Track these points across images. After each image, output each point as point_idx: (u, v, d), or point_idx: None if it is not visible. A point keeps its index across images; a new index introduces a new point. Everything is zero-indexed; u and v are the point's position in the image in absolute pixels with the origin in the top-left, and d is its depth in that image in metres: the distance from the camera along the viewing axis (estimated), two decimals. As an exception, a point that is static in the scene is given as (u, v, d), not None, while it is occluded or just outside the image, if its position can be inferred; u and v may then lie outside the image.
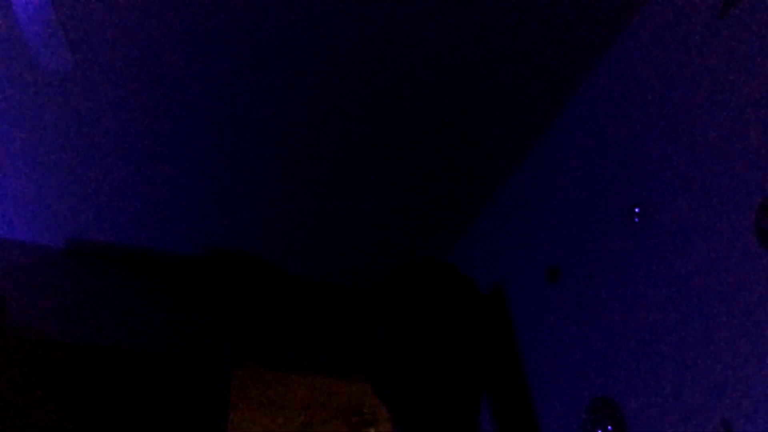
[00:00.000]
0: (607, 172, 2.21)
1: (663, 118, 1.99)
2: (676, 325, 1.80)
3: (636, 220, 2.00)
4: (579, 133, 2.41)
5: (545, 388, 2.35)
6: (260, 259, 3.30)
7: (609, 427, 1.93)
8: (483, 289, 2.84)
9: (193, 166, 2.68)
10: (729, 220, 1.68)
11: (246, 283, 3.40)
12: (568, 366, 2.23)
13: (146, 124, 2.47)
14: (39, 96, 2.31)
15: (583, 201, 2.30)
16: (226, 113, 2.44)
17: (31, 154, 2.57)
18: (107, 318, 3.04)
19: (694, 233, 1.79)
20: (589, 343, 2.14)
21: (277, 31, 2.13)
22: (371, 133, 2.56)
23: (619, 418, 1.92)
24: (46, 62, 2.11)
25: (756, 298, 1.56)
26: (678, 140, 1.91)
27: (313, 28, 2.13)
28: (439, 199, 2.92)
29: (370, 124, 2.52)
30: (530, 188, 2.68)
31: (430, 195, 2.89)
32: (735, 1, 1.75)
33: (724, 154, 1.73)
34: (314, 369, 3.48)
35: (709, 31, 1.84)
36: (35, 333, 2.87)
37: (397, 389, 0.88)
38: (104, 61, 2.20)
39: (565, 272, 2.34)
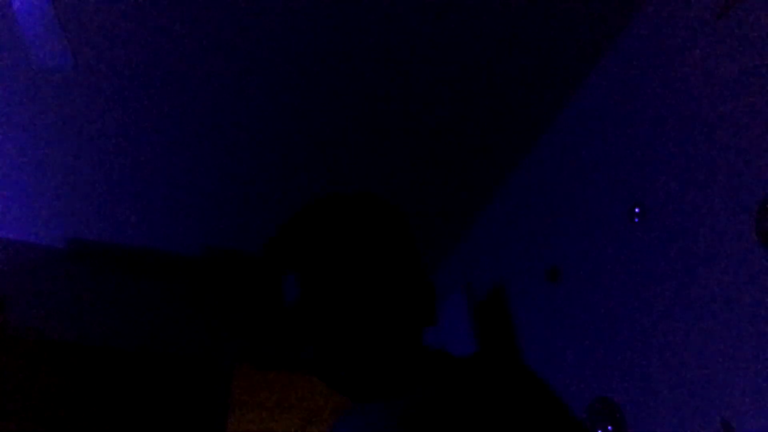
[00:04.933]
0: (607, 172, 2.20)
1: (663, 118, 1.99)
2: (676, 325, 1.80)
3: (636, 220, 2.00)
4: (579, 133, 2.41)
5: (545, 388, 2.34)
6: (260, 259, 3.30)
7: (609, 427, 1.93)
8: (483, 290, 2.84)
9: (193, 166, 2.68)
10: (729, 220, 1.68)
11: (246, 283, 3.40)
12: (568, 366, 2.23)
13: (146, 124, 2.46)
14: (39, 96, 2.31)
15: (583, 201, 2.30)
16: (226, 113, 2.44)
17: (31, 154, 2.57)
18: (107, 318, 3.04)
19: (694, 233, 1.79)
20: (589, 343, 2.14)
21: (278, 31, 2.13)
22: (371, 133, 2.56)
23: (619, 418, 1.92)
24: (46, 62, 2.11)
25: (756, 298, 1.56)
26: (678, 140, 1.91)
27: (313, 28, 2.13)
28: (439, 199, 2.92)
29: (370, 125, 2.52)
30: (530, 188, 2.68)
31: (430, 195, 2.89)
32: (734, 2, 1.75)
33: (724, 154, 1.73)
34: (314, 369, 3.47)
35: (709, 31, 1.84)
36: (35, 333, 2.86)
37: (321, 348, 0.75)
38: (104, 61, 2.20)
39: (565, 272, 2.34)
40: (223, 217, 3.00)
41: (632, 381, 1.92)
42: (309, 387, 4.32)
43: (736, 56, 1.74)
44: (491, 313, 2.73)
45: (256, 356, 3.29)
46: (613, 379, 2.00)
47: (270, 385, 4.22)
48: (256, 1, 2.03)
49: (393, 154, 2.67)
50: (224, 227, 3.07)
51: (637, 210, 2.00)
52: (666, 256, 1.88)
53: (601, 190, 2.22)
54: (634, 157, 2.08)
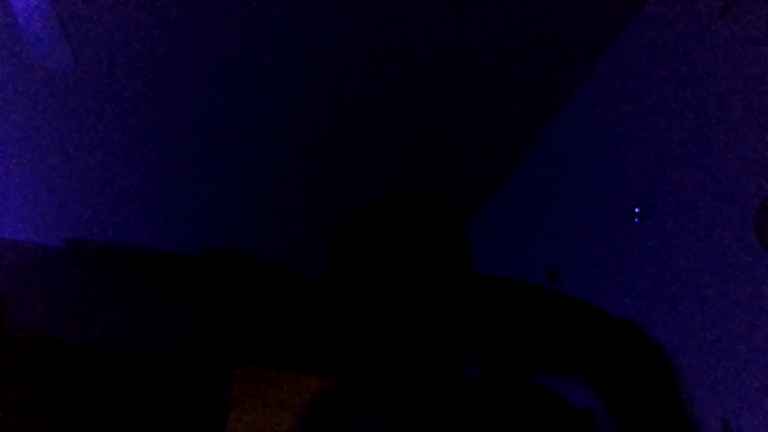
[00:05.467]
0: (607, 172, 2.20)
1: (662, 118, 1.99)
2: (676, 325, 1.80)
3: (636, 220, 2.00)
4: (578, 133, 2.40)
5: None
6: (260, 259, 3.30)
7: (609, 428, 1.92)
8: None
9: (193, 166, 2.68)
10: (729, 220, 1.68)
11: (246, 283, 3.40)
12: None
13: (146, 124, 2.47)
14: (39, 96, 2.31)
15: (583, 201, 2.30)
16: (227, 112, 2.44)
17: (31, 154, 2.57)
18: (107, 318, 3.04)
19: (694, 233, 1.79)
20: (589, 343, 2.14)
21: (279, 30, 2.13)
22: (371, 132, 2.56)
23: (619, 418, 1.92)
24: (46, 62, 2.11)
25: (756, 299, 1.56)
26: (678, 140, 1.91)
27: (315, 27, 2.13)
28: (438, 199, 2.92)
29: (370, 124, 2.52)
30: (530, 188, 2.68)
31: (430, 195, 2.88)
32: (735, 1, 1.75)
33: (724, 154, 1.73)
34: (314, 369, 3.47)
35: (709, 31, 1.84)
36: (35, 333, 2.86)
37: (382, 341, 0.79)
38: (104, 61, 2.20)
39: (565, 272, 2.34)
40: (223, 217, 3.00)
41: (632, 381, 1.92)
42: (309, 387, 4.31)
43: (736, 56, 1.74)
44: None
45: (256, 356, 3.28)
46: (613, 379, 2.00)
47: (270, 385, 4.22)
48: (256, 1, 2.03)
49: (392, 154, 2.67)
50: (224, 227, 3.07)
51: (637, 210, 2.00)
52: (666, 256, 1.88)
53: (601, 190, 2.21)
54: (634, 158, 2.08)
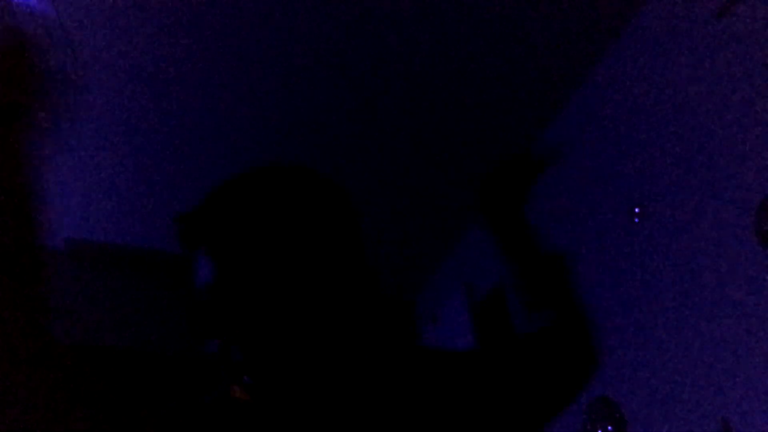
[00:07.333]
0: (607, 172, 2.21)
1: (663, 118, 1.99)
2: (676, 325, 1.80)
3: (636, 220, 2.00)
4: (579, 133, 2.41)
5: (545, 388, 2.34)
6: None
7: (609, 427, 1.92)
8: (483, 290, 2.84)
9: (194, 166, 2.68)
10: (729, 220, 1.68)
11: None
12: (568, 366, 2.22)
13: (146, 124, 2.47)
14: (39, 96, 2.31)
15: (583, 201, 2.30)
16: (226, 112, 2.44)
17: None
18: (107, 318, 3.04)
19: (694, 233, 1.79)
20: (589, 343, 2.14)
21: (279, 30, 2.13)
22: (371, 132, 2.56)
23: (619, 418, 1.92)
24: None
25: (756, 298, 1.56)
26: (678, 140, 1.91)
27: (316, 25, 2.13)
28: (439, 198, 2.92)
29: (369, 124, 2.52)
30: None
31: (431, 194, 2.89)
32: (735, 1, 1.75)
33: (724, 154, 1.73)
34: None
35: (709, 30, 1.84)
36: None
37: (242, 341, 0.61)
38: (104, 61, 2.20)
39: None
40: (223, 217, 3.00)
41: (632, 381, 1.92)
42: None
43: (736, 56, 1.74)
44: (491, 313, 2.73)
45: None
46: (613, 379, 2.00)
47: (270, 385, 4.22)
48: (256, 1, 2.03)
49: (393, 152, 2.67)
50: (224, 227, 3.07)
51: (637, 210, 2.00)
52: (666, 256, 1.88)
53: (601, 191, 2.22)
54: (634, 158, 2.08)
